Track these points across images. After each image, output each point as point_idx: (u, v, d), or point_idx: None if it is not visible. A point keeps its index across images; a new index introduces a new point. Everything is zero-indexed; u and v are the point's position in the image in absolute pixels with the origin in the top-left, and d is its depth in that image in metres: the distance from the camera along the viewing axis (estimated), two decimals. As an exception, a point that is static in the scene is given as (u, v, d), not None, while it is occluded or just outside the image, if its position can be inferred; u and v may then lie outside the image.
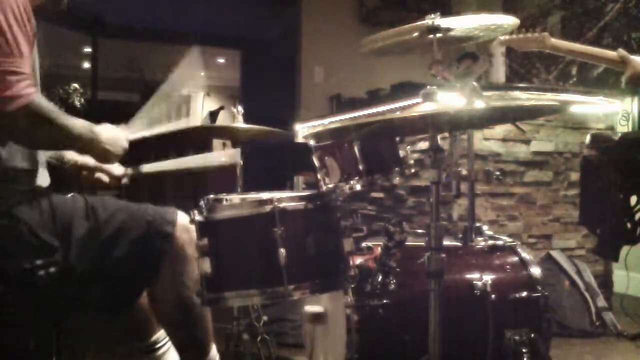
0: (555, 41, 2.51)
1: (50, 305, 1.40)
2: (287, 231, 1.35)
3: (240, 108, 2.22)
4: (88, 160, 1.55)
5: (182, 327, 1.50)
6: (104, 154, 1.39)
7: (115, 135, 1.41)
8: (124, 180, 1.59)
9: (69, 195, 1.42)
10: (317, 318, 1.75)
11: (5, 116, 1.16)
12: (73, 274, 1.33)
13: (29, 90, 1.18)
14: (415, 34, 1.66)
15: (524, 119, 2.01)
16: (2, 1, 1.16)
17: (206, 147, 4.42)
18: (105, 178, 1.58)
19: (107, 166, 1.57)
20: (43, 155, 1.41)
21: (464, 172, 1.86)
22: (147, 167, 1.65)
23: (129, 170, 1.61)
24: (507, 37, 2.52)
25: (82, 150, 1.41)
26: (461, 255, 1.82)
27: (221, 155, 1.74)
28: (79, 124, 1.32)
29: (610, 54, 2.40)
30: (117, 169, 1.59)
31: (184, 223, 1.45)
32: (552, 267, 2.91)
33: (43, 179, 1.41)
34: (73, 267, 1.33)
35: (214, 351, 1.54)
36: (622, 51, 2.34)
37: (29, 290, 1.32)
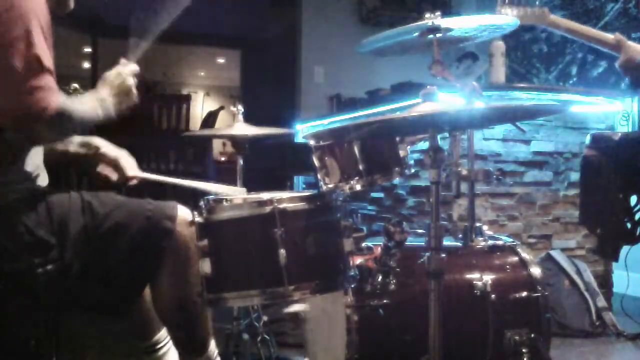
0: (555, 17, 2.50)
1: (49, 305, 1.39)
2: (287, 232, 1.35)
3: (240, 107, 2.22)
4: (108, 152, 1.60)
5: (182, 323, 1.49)
6: (120, 106, 1.45)
7: (119, 84, 1.45)
8: (133, 182, 1.61)
9: (66, 192, 1.41)
10: (296, 317, 1.75)
11: (38, 125, 1.22)
12: (71, 271, 1.32)
13: (57, 102, 1.23)
14: (415, 34, 1.67)
15: (524, 119, 2.01)
16: (32, 18, 1.21)
17: (206, 148, 4.43)
18: (114, 176, 1.60)
19: (122, 164, 1.60)
20: (40, 156, 1.41)
21: (464, 172, 1.86)
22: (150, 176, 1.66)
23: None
24: (507, 10, 2.51)
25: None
26: (461, 255, 1.82)
27: (229, 189, 1.74)
28: (90, 105, 1.37)
29: (608, 36, 2.39)
30: (131, 169, 1.62)
31: (184, 217, 1.44)
32: (552, 267, 2.91)
33: (43, 177, 1.40)
34: (70, 264, 1.32)
35: (212, 346, 1.54)
36: (619, 35, 2.34)
37: (28, 289, 1.32)
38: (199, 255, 1.39)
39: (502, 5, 2.39)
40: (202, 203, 1.44)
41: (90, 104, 1.37)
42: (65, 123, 1.26)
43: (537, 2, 2.44)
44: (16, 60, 1.18)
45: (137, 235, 1.38)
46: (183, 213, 1.45)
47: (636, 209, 2.46)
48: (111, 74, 1.47)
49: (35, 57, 1.20)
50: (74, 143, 1.56)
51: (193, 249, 1.41)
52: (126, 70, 1.49)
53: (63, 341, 1.50)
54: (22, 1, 1.21)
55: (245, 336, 2.16)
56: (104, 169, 1.59)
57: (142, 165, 1.72)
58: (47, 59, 1.23)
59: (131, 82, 1.48)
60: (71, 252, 1.32)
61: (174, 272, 1.43)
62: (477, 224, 1.91)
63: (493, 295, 1.66)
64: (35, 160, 1.38)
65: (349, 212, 1.49)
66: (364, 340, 1.63)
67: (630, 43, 2.32)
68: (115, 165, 1.59)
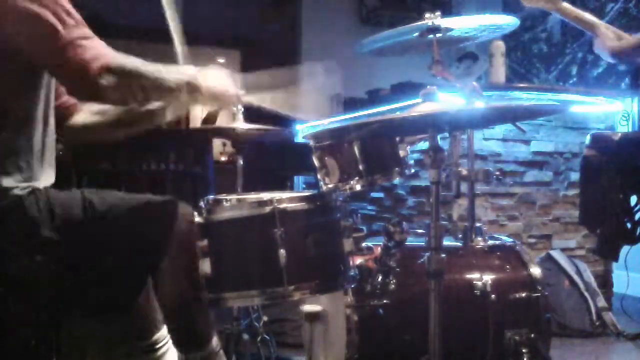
0: (566, 5, 2.47)
1: (51, 304, 1.39)
2: (287, 232, 1.35)
3: (240, 106, 2.21)
4: None
5: (185, 317, 1.49)
6: (214, 100, 1.39)
7: (217, 79, 1.39)
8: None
9: (67, 190, 1.40)
10: (316, 317, 1.75)
11: (92, 78, 1.20)
12: (73, 270, 1.32)
13: (107, 52, 1.23)
14: (415, 34, 1.67)
15: (524, 119, 2.02)
16: None
17: (206, 147, 4.43)
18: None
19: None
20: (50, 153, 1.41)
21: (464, 172, 1.86)
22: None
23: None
24: None
25: (187, 100, 1.38)
26: (461, 255, 1.82)
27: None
28: (174, 73, 1.32)
29: (625, 36, 2.37)
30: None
31: (185, 213, 1.44)
32: (552, 267, 2.91)
33: (47, 177, 1.40)
34: (72, 263, 1.32)
35: (215, 340, 1.53)
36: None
37: (30, 288, 1.32)
38: (200, 251, 1.39)
39: None
40: (202, 203, 1.44)
41: (175, 73, 1.32)
42: (124, 76, 1.23)
43: None
44: (49, 16, 1.19)
45: (137, 232, 1.38)
46: (183, 209, 1.44)
47: (636, 209, 2.47)
48: (214, 71, 1.41)
49: (66, 11, 1.20)
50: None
51: (194, 244, 1.41)
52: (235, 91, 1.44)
53: (63, 341, 1.50)
54: None
55: (245, 336, 2.16)
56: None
57: (142, 165, 1.72)
58: (78, 17, 1.23)
59: (231, 86, 1.42)
60: (73, 251, 1.32)
61: (175, 268, 1.43)
62: (477, 224, 1.91)
63: (493, 295, 1.66)
64: (40, 158, 1.37)
65: (349, 212, 1.49)
66: (364, 340, 1.64)
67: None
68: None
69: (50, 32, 1.19)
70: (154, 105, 1.40)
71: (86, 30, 1.22)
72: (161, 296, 1.48)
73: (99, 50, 1.21)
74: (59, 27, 1.19)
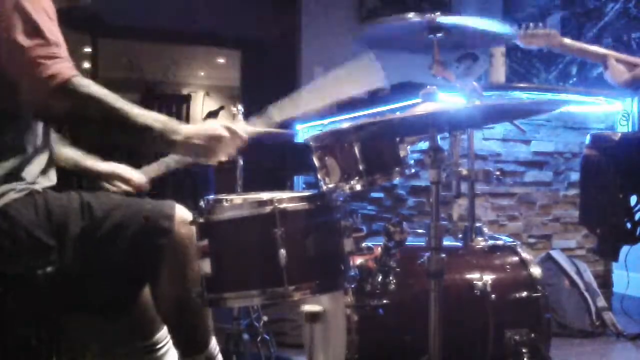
0: (568, 40, 2.48)
1: (49, 305, 1.39)
2: (287, 232, 1.34)
3: (240, 107, 2.21)
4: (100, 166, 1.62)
5: (183, 322, 1.49)
6: (195, 151, 1.39)
7: (207, 127, 1.38)
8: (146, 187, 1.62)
9: (64, 192, 1.40)
10: (316, 317, 1.75)
11: (48, 97, 1.20)
12: (71, 273, 1.32)
13: (68, 71, 1.21)
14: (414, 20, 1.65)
15: (522, 117, 2.01)
16: (35, 4, 1.22)
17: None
18: (124, 187, 1.62)
19: (126, 174, 1.64)
20: (50, 154, 1.41)
21: (464, 172, 1.86)
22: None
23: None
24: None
25: (160, 146, 1.37)
26: (461, 255, 1.82)
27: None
28: (147, 115, 1.30)
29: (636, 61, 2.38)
30: (137, 176, 1.65)
31: (182, 216, 1.44)
32: (552, 267, 2.91)
33: (46, 178, 1.40)
34: (70, 266, 1.32)
35: (213, 343, 1.53)
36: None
37: (27, 290, 1.32)
38: (198, 254, 1.39)
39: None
40: (202, 203, 1.44)
41: (147, 115, 1.30)
42: (80, 97, 1.21)
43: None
44: (18, 35, 1.19)
45: (135, 235, 1.38)
46: (181, 212, 1.44)
47: (636, 209, 2.47)
48: (210, 121, 1.41)
49: (36, 30, 1.20)
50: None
51: (191, 248, 1.41)
52: (230, 126, 1.42)
53: (63, 341, 1.50)
54: None
55: (245, 336, 2.16)
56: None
57: (142, 164, 1.72)
58: (52, 33, 1.22)
59: (224, 136, 1.40)
60: (70, 254, 1.32)
61: (173, 272, 1.43)
62: (477, 224, 1.91)
63: (493, 295, 1.66)
64: (38, 160, 1.37)
65: (349, 212, 1.49)
66: (364, 340, 1.63)
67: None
68: (118, 178, 1.64)
69: (14, 50, 1.19)
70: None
71: (54, 50, 1.21)
72: (158, 300, 1.48)
73: (60, 70, 1.20)
74: (24, 46, 1.19)
